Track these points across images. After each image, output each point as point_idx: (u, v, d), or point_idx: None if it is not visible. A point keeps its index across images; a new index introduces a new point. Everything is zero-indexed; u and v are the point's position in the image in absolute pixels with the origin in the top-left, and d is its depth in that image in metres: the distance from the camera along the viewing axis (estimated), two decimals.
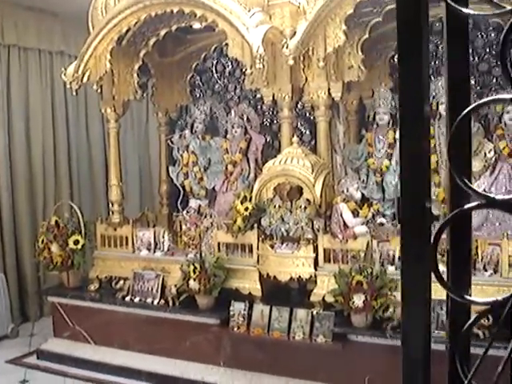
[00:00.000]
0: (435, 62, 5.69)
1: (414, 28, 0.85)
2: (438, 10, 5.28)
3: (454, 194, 0.83)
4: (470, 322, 0.83)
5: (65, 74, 5.55)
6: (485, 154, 5.13)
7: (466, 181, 0.80)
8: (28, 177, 7.24)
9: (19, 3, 6.86)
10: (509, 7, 0.78)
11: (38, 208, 7.32)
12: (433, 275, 0.97)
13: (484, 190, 5.05)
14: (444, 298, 3.70)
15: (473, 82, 5.53)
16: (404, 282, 0.90)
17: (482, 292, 4.45)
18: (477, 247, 4.71)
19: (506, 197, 0.82)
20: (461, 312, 0.84)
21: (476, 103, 0.83)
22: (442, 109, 5.21)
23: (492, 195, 0.81)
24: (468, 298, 0.82)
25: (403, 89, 0.85)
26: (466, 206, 0.84)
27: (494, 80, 5.49)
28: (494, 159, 5.07)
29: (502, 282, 4.44)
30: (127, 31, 5.36)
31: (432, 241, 0.88)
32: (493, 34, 5.44)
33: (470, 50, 5.53)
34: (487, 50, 5.48)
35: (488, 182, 5.05)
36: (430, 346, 0.92)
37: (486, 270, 4.61)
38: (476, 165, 5.18)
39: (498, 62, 5.43)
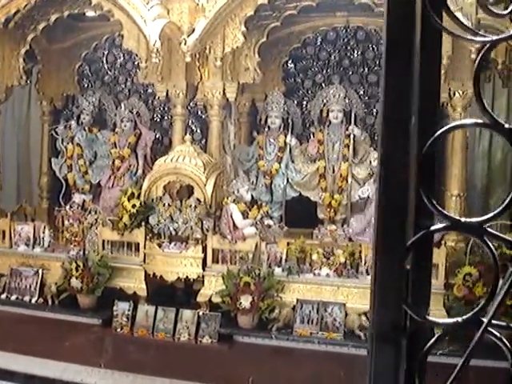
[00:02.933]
0: (327, 70, 5.85)
1: (402, 39, 0.84)
2: (333, 19, 5.43)
3: (418, 215, 0.83)
4: (429, 343, 0.82)
5: None
6: (370, 161, 5.33)
7: (435, 203, 0.80)
8: None
9: None
10: (489, 37, 0.79)
11: None
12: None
13: (368, 197, 5.24)
14: (328, 299, 3.74)
15: (362, 92, 5.73)
16: (375, 300, 0.87)
17: (364, 295, 4.63)
18: (360, 251, 4.88)
19: (472, 220, 0.83)
20: (420, 333, 0.84)
21: (442, 129, 0.83)
22: (332, 116, 5.36)
23: (457, 217, 0.82)
24: (430, 319, 0.82)
25: (387, 102, 0.84)
26: (433, 228, 0.84)
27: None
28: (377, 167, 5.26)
29: None
30: (16, 13, 5.05)
31: (399, 262, 0.86)
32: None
33: (361, 61, 5.74)
34: (377, 62, 5.70)
35: (372, 189, 5.24)
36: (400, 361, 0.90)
37: (368, 274, 4.77)
38: (361, 172, 5.38)
39: None
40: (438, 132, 0.81)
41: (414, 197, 0.82)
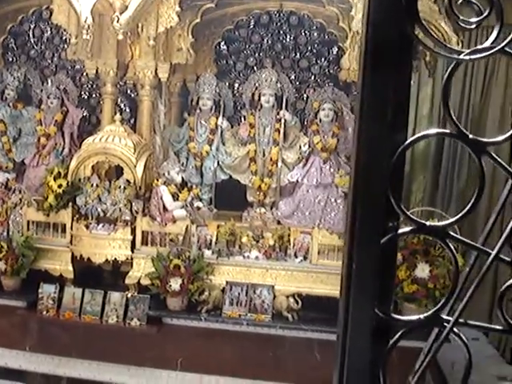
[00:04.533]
0: (259, 54, 5.86)
1: (388, 30, 0.85)
2: (266, 3, 5.44)
3: (385, 216, 0.86)
4: (393, 340, 0.86)
5: None
6: (300, 146, 5.40)
7: (403, 207, 0.84)
8: None
9: None
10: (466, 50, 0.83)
11: None
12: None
13: (297, 181, 5.32)
14: (257, 282, 3.80)
15: (293, 77, 5.78)
16: (350, 302, 0.90)
17: (292, 277, 4.73)
18: (289, 235, 4.97)
19: (437, 223, 0.87)
20: (383, 330, 0.87)
21: (412, 138, 0.87)
22: (264, 100, 5.39)
23: (422, 221, 0.86)
24: (392, 315, 0.86)
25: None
26: (401, 231, 0.88)
27: (313, 77, 5.79)
28: (307, 152, 5.35)
29: (311, 269, 4.73)
30: None
31: (372, 263, 0.89)
32: (315, 34, 5.72)
33: (293, 46, 5.78)
34: (309, 48, 5.76)
35: (301, 174, 5.33)
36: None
37: (296, 257, 4.87)
38: (291, 156, 5.45)
39: (318, 61, 5.76)
40: (406, 142, 0.84)
41: (384, 202, 0.86)
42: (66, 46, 5.66)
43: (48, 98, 5.72)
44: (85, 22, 4.43)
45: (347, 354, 0.87)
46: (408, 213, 0.84)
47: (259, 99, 5.43)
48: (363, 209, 0.85)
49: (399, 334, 0.87)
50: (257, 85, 5.44)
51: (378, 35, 0.82)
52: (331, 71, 5.69)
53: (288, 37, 5.81)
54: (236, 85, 5.93)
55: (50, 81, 5.79)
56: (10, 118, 5.80)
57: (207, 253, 4.85)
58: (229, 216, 5.22)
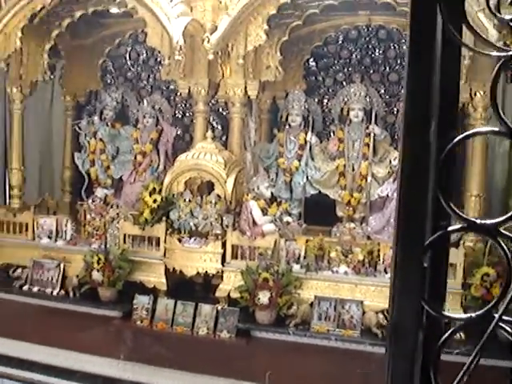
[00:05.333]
0: (348, 69, 5.86)
1: (425, 37, 0.87)
2: (355, 18, 5.46)
3: (436, 216, 0.87)
4: (444, 336, 0.86)
5: None
6: (390, 161, 5.34)
7: (452, 205, 0.84)
8: None
9: None
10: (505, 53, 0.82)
11: None
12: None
13: (387, 196, 5.26)
14: (346, 297, 3.76)
15: (382, 91, 5.75)
16: (396, 296, 0.92)
17: (382, 293, 4.65)
18: (378, 250, 4.90)
19: (487, 221, 0.87)
20: (435, 327, 0.88)
21: (463, 135, 0.87)
22: (353, 115, 5.38)
23: (472, 219, 0.86)
24: (444, 313, 0.86)
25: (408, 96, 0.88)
26: (450, 228, 0.88)
27: (403, 90, 5.71)
28: (398, 167, 5.26)
29: None
30: (41, 9, 5.14)
31: (417, 261, 0.91)
32: (405, 47, 5.66)
33: (382, 60, 5.75)
34: (398, 61, 5.71)
35: (391, 188, 5.26)
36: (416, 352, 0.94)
37: (386, 273, 4.80)
38: (381, 171, 5.40)
39: None
40: (456, 139, 0.85)
41: (433, 199, 0.86)
42: (160, 67, 5.89)
43: (144, 117, 5.98)
44: (176, 43, 4.60)
45: (395, 354, 0.88)
46: (457, 210, 0.84)
47: (348, 114, 5.43)
48: (407, 208, 0.86)
49: (450, 331, 0.87)
50: (346, 99, 5.45)
51: (421, 35, 0.83)
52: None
53: (377, 51, 5.79)
54: (325, 100, 5.97)
55: (145, 101, 6.06)
56: (109, 136, 6.10)
57: (296, 267, 4.86)
58: (318, 231, 5.22)
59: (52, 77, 6.27)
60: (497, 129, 0.86)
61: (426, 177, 0.86)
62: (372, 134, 5.34)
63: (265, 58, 5.23)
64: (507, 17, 0.85)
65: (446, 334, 0.87)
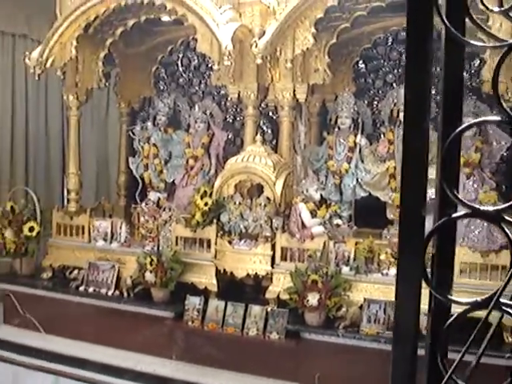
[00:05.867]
0: (398, 70, 5.83)
1: (422, 34, 0.91)
2: (404, 19, 5.41)
3: (441, 204, 0.90)
4: (450, 319, 0.89)
5: (29, 58, 5.47)
6: None
7: (455, 192, 0.87)
8: None
9: None
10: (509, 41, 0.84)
11: None
12: None
13: None
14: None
15: (433, 91, 5.66)
16: (398, 277, 0.96)
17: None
18: (429, 253, 4.84)
19: (490, 208, 0.89)
20: (442, 311, 0.91)
21: (467, 124, 0.89)
22: (402, 116, 5.33)
23: (476, 206, 0.88)
24: (450, 297, 0.90)
25: (408, 94, 0.91)
26: (454, 215, 0.91)
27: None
28: None
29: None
30: (95, 19, 5.32)
31: (421, 248, 0.94)
32: None
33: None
34: None
35: None
36: (417, 343, 0.98)
37: None
38: (432, 173, 5.32)
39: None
40: (459, 128, 0.87)
41: (438, 188, 0.89)
42: (211, 72, 5.99)
43: (195, 122, 6.10)
44: (225, 48, 4.68)
45: (398, 340, 0.91)
46: (460, 197, 0.86)
47: (398, 115, 5.40)
48: (408, 195, 0.89)
49: (456, 314, 0.89)
50: (395, 101, 5.41)
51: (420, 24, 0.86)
52: (473, 84, 5.52)
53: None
54: (374, 102, 5.94)
55: (197, 106, 6.18)
56: (162, 141, 6.24)
57: (345, 269, 4.87)
58: (368, 233, 5.20)
59: (107, 84, 6.46)
60: (499, 118, 0.88)
61: (424, 167, 0.89)
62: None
63: (313, 61, 5.25)
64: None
65: (451, 318, 0.89)
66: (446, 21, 0.85)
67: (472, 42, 0.88)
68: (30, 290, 5.75)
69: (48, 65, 5.37)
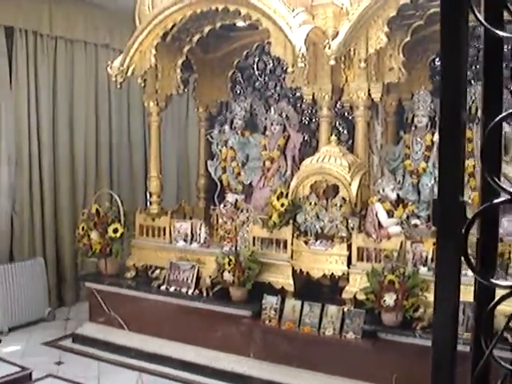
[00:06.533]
0: (476, 67, 5.70)
1: (455, 36, 0.94)
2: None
3: (484, 191, 0.94)
4: (494, 302, 0.92)
5: (110, 67, 5.72)
6: None
7: (496, 178, 0.89)
8: (70, 166, 7.45)
9: None
10: None
11: (78, 197, 7.53)
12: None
13: None
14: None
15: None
16: (438, 270, 1.00)
17: None
18: (509, 252, 4.72)
19: None
20: (486, 295, 0.95)
21: (506, 113, 0.92)
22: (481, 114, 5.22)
23: None
24: (493, 281, 0.93)
25: (443, 93, 0.95)
26: (495, 201, 0.94)
27: None
28: None
29: None
30: (172, 27, 5.50)
31: (464, 230, 0.98)
32: None
33: (511, 55, 5.52)
34: None
35: None
36: (457, 331, 1.02)
37: None
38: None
39: None
40: (499, 117, 0.90)
41: (480, 175, 0.92)
42: (286, 75, 6.06)
43: (272, 124, 6.19)
44: (299, 51, 4.73)
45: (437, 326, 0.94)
46: (501, 183, 0.88)
47: (476, 113, 5.28)
48: (446, 181, 0.92)
49: (499, 297, 0.92)
50: (473, 98, 5.30)
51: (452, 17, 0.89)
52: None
53: (506, 47, 5.57)
54: None
55: (273, 109, 6.26)
56: (239, 144, 6.36)
57: (422, 269, 4.81)
58: None
59: (186, 90, 6.64)
60: None
61: (460, 154, 0.91)
62: (503, 133, 5.15)
63: (387, 60, 5.22)
64: None
65: (494, 301, 0.92)
66: (482, 20, 0.87)
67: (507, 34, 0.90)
68: (114, 288, 6.01)
69: (129, 73, 5.59)
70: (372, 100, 5.40)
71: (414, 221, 5.23)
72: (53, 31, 7.07)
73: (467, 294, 3.95)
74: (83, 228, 6.12)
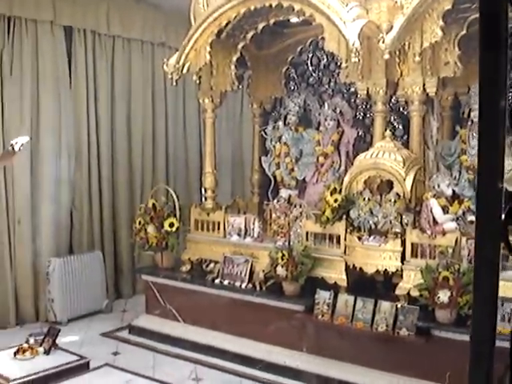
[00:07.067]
0: None
1: (496, 26, 0.95)
2: None
3: None
4: None
5: (166, 65, 5.83)
6: None
7: None
8: (127, 162, 7.63)
9: None
10: None
11: (135, 192, 7.71)
12: None
13: None
14: None
15: None
16: (477, 257, 1.01)
17: None
18: None
19: None
20: None
21: None
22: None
23: None
24: None
25: (482, 83, 0.96)
26: None
27: None
28: None
29: None
30: (227, 24, 5.56)
31: (504, 216, 0.99)
32: None
33: None
34: None
35: None
36: (495, 325, 1.03)
37: None
38: None
39: None
40: None
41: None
42: (340, 70, 6.04)
43: (325, 120, 6.18)
44: (353, 45, 4.71)
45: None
46: None
47: None
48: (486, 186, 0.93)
49: None
50: None
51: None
52: None
53: None
54: (510, 94, 5.69)
55: (326, 104, 6.25)
56: (292, 140, 6.39)
57: None
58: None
59: (240, 87, 6.70)
60: None
61: (499, 143, 0.92)
62: None
63: (443, 54, 5.14)
64: None
65: None
66: None
67: None
68: (170, 281, 6.14)
69: (184, 70, 5.69)
70: (427, 94, 5.32)
71: (470, 217, 5.13)
72: (110, 30, 7.25)
73: (507, 290, 3.83)
74: (140, 222, 6.27)
